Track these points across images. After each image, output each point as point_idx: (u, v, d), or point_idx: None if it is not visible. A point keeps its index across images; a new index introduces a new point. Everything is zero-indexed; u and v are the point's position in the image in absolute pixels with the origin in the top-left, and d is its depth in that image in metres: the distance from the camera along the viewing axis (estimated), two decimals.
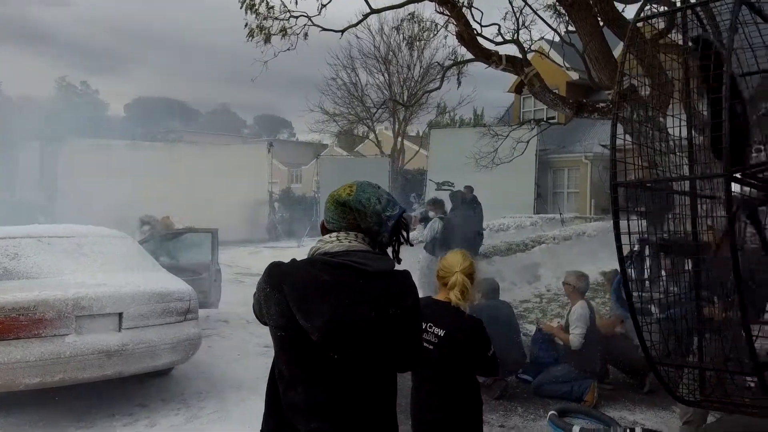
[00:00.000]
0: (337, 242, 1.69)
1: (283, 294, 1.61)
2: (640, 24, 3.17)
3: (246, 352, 6.20)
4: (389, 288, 1.66)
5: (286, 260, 1.71)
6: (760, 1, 2.01)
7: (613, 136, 1.99)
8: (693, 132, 2.76)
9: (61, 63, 66.83)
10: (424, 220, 9.86)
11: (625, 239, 1.95)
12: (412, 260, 9.05)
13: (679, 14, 3.20)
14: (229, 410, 4.54)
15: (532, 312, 8.56)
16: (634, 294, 2.40)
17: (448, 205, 9.26)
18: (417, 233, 10.84)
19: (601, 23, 6.53)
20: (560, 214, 15.32)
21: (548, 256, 10.92)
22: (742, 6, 2.38)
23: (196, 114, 45.87)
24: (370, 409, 1.65)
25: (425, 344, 2.62)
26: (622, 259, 1.94)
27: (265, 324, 1.72)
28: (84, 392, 4.57)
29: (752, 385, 2.26)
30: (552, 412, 4.59)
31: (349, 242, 1.68)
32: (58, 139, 16.35)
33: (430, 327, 2.65)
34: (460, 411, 2.66)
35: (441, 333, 2.61)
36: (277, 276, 1.65)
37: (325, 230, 1.77)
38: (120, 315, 4.44)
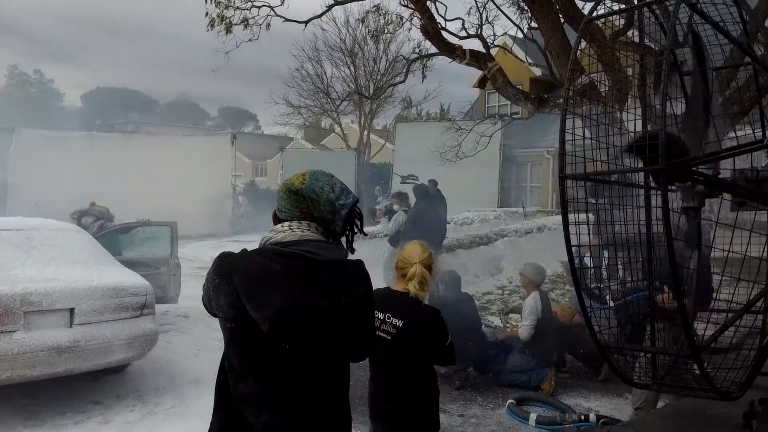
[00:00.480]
0: (289, 232, 1.66)
1: (232, 284, 1.58)
2: (599, 21, 3.23)
3: (206, 347, 6.07)
4: (341, 277, 1.65)
5: None
6: (701, 1, 2.07)
7: (562, 130, 2.03)
8: (648, 126, 2.84)
9: (12, 50, 63.89)
10: (389, 213, 9.90)
11: (574, 230, 1.99)
12: (377, 253, 9.06)
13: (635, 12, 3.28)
14: (187, 405, 4.45)
15: (494, 303, 8.70)
16: (592, 284, 2.47)
17: (413, 199, 9.31)
18: (381, 226, 10.88)
19: (563, 20, 6.65)
20: (523, 207, 15.61)
21: (510, 248, 11.11)
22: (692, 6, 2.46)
23: (156, 105, 44.67)
24: (322, 398, 1.64)
25: (383, 335, 2.63)
26: (570, 250, 1.98)
27: (214, 315, 1.69)
28: (34, 390, 4.42)
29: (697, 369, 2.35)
30: (510, 401, 4.69)
31: (302, 232, 1.66)
32: (9, 129, 15.64)
33: (389, 318, 2.65)
34: (418, 401, 2.67)
35: (399, 324, 2.62)
36: (226, 266, 1.62)
37: (277, 219, 1.75)
38: (71, 310, 4.30)
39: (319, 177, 1.72)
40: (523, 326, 5.17)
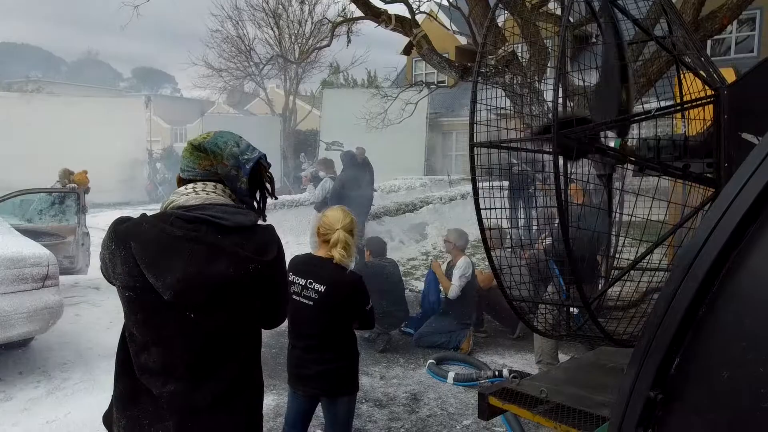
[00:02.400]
0: (193, 195, 1.57)
1: (129, 251, 1.48)
2: None
3: (118, 319, 5.74)
4: (249, 243, 1.57)
5: None
6: None
7: (473, 101, 2.07)
8: (561, 95, 2.95)
9: None
10: (315, 180, 9.77)
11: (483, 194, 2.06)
12: (303, 220, 8.97)
13: None
14: (97, 380, 4.25)
15: (418, 269, 8.91)
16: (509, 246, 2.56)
17: (339, 166, 9.23)
18: (308, 194, 10.75)
19: None
20: (448, 175, 15.94)
21: (435, 215, 11.37)
22: None
23: (61, 63, 41.06)
24: (231, 366, 1.58)
25: (305, 300, 2.61)
26: (479, 211, 2.04)
27: (113, 284, 1.59)
28: None
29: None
30: (430, 360, 4.87)
31: (207, 194, 1.57)
32: None
33: (310, 283, 2.63)
34: (338, 364, 2.69)
35: (321, 289, 2.60)
36: (122, 232, 1.52)
37: (181, 182, 1.65)
38: None
39: (224, 134, 1.65)
40: (454, 285, 5.31)
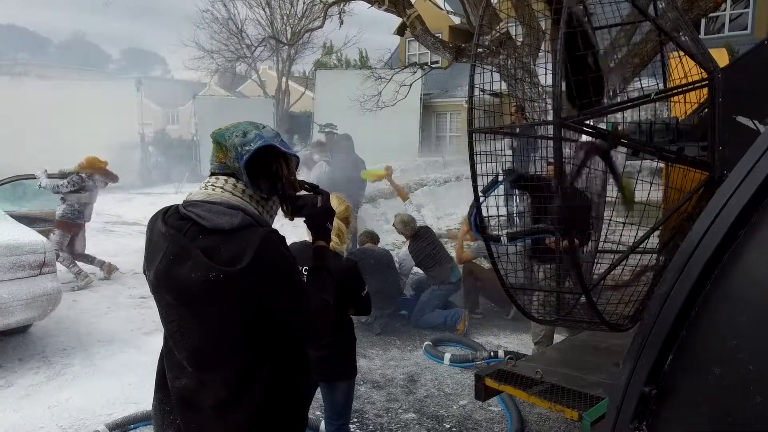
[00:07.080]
0: (203, 189, 1.54)
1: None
2: None
3: (117, 305, 5.84)
4: (224, 248, 1.42)
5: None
6: None
7: (471, 86, 2.07)
8: (557, 79, 2.95)
9: None
10: (308, 162, 9.72)
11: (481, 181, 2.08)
12: None
13: None
14: (97, 365, 4.28)
15: None
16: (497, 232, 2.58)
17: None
18: (303, 176, 10.73)
19: None
20: (443, 157, 15.91)
21: (430, 197, 11.38)
22: None
23: (48, 44, 40.36)
24: (235, 368, 1.49)
25: None
26: (477, 198, 2.06)
27: None
28: None
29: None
30: (427, 342, 4.94)
31: (213, 190, 1.51)
32: None
33: (305, 270, 2.65)
34: (335, 350, 2.73)
35: None
36: (150, 220, 1.58)
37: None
38: None
39: (240, 124, 1.55)
40: (404, 282, 5.64)
